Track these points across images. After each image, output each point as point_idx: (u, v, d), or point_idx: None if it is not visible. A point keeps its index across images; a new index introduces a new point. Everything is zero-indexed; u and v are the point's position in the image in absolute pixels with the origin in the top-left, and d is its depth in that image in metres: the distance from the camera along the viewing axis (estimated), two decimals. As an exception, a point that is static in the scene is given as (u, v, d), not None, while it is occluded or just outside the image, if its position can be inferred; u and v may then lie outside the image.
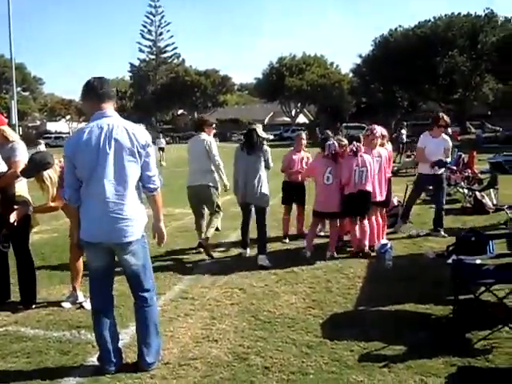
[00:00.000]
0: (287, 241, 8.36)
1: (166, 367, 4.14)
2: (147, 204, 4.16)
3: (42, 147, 27.96)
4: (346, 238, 8.10)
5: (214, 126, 8.09)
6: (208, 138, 7.72)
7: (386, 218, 8.32)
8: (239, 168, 7.27)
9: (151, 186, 4.03)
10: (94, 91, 3.96)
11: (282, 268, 6.80)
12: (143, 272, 4.10)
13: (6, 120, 5.98)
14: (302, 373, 4.01)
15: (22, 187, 5.68)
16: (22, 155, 5.62)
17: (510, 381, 3.97)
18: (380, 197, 7.71)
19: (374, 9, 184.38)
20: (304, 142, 8.64)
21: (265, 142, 7.30)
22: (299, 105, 70.34)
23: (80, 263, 5.65)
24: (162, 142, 30.08)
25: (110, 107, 3.98)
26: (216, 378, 3.97)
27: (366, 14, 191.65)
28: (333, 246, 7.43)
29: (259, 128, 7.29)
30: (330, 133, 8.64)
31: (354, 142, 7.33)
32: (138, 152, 3.87)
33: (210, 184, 7.57)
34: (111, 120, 3.90)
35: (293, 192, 8.49)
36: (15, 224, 5.38)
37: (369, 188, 7.35)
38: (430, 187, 9.33)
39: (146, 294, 4.13)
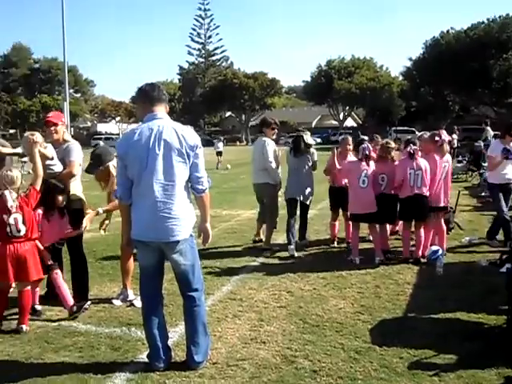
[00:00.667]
0: (335, 244, 8.34)
1: (215, 367, 4.18)
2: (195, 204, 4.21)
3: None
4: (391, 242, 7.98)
5: (272, 126, 8.21)
6: (265, 139, 8.08)
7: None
8: (289, 168, 8.12)
9: (199, 187, 4.08)
10: (146, 95, 4.11)
11: (331, 272, 6.76)
12: (192, 272, 4.15)
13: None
14: (350, 378, 3.98)
15: (76, 187, 5.83)
16: (78, 155, 5.79)
17: None
18: (444, 203, 7.55)
19: (424, 11, 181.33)
20: (350, 146, 8.34)
21: (312, 146, 8.12)
22: (347, 108, 69.81)
23: (131, 262, 5.77)
24: (220, 146, 29.57)
25: (161, 110, 4.09)
26: (264, 379, 3.98)
27: (417, 16, 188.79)
28: (378, 249, 7.33)
29: (307, 135, 8.09)
30: (377, 136, 8.70)
31: (411, 145, 7.26)
32: (187, 153, 3.94)
33: (269, 182, 8.02)
34: (161, 122, 4.00)
35: (339, 197, 8.33)
36: (86, 227, 5.59)
37: (425, 192, 7.23)
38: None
39: (194, 294, 4.18)
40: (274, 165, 7.91)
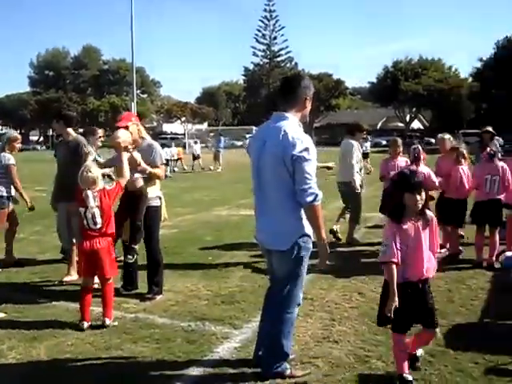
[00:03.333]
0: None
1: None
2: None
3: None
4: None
5: (359, 130, 9.11)
6: (351, 141, 8.82)
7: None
8: None
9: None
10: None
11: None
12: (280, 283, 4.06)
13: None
14: (424, 380, 3.96)
15: (154, 185, 6.05)
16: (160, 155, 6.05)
17: None
18: None
19: (494, 10, 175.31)
20: (399, 148, 8.68)
21: None
22: (414, 110, 68.44)
23: None
24: (197, 148, 30.23)
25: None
26: (338, 377, 4.02)
27: (487, 15, 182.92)
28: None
29: None
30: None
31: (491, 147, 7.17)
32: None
33: (350, 181, 8.63)
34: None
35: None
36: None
37: (501, 197, 7.06)
38: None
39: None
40: (355, 165, 8.55)
